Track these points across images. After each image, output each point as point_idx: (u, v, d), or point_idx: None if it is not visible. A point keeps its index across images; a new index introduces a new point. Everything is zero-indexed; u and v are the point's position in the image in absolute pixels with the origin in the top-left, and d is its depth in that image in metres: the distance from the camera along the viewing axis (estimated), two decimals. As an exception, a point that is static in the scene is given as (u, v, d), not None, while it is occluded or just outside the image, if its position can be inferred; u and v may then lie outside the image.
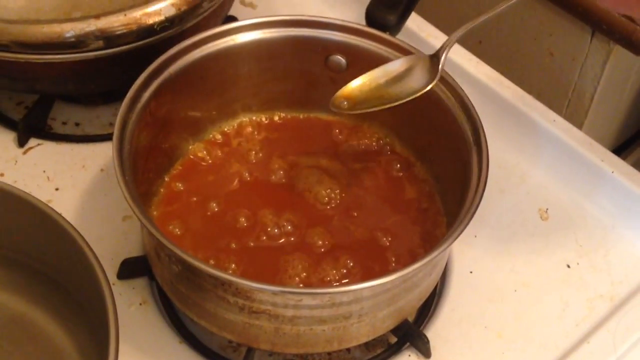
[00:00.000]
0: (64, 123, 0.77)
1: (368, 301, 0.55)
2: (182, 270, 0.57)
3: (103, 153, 0.74)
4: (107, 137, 0.75)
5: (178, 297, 0.60)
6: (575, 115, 1.00)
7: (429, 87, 0.62)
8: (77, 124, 0.77)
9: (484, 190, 0.57)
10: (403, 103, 0.62)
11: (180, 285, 0.58)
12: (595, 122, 1.01)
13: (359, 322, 0.57)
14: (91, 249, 0.55)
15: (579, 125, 0.98)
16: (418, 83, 0.62)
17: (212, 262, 0.61)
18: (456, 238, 0.55)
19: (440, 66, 0.62)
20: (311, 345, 0.58)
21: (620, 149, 1.13)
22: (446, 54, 0.62)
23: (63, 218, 0.57)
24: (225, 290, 0.54)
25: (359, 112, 0.64)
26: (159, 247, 0.58)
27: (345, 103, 0.63)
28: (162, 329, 0.64)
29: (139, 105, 0.61)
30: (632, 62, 0.97)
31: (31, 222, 0.59)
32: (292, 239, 0.63)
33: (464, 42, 0.83)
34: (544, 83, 1.01)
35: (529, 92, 0.80)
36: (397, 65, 0.64)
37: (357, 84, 0.64)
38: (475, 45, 1.02)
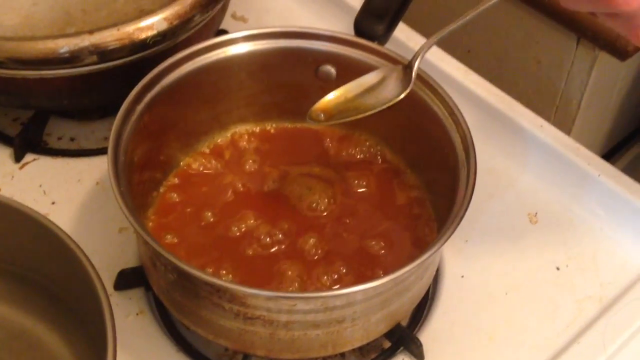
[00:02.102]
0: (60, 138, 0.78)
1: (361, 305, 0.56)
2: (177, 279, 0.57)
3: (98, 167, 0.75)
4: (102, 152, 0.76)
5: (174, 305, 0.61)
6: (563, 122, 1.01)
7: (402, 95, 0.64)
8: (72, 139, 0.78)
9: (472, 194, 0.58)
10: (378, 111, 0.64)
11: (176, 294, 0.59)
12: (583, 128, 1.02)
13: (353, 326, 0.58)
14: (89, 261, 0.56)
15: (567, 132, 1.00)
16: (392, 93, 0.64)
17: (208, 270, 0.62)
18: (445, 241, 0.56)
19: (413, 75, 0.64)
20: (306, 350, 0.59)
21: (609, 155, 1.14)
22: (418, 63, 0.64)
23: (61, 230, 0.58)
24: (220, 297, 0.55)
25: (335, 122, 0.65)
26: (155, 256, 0.59)
27: (322, 115, 0.65)
28: (159, 338, 0.64)
29: (133, 118, 0.62)
30: (617, 68, 0.98)
31: (29, 235, 0.59)
32: (285, 247, 0.64)
33: (453, 52, 0.84)
34: (531, 90, 1.02)
35: (517, 99, 0.81)
36: (371, 77, 0.65)
37: (332, 97, 0.65)
38: (464, 54, 1.04)
